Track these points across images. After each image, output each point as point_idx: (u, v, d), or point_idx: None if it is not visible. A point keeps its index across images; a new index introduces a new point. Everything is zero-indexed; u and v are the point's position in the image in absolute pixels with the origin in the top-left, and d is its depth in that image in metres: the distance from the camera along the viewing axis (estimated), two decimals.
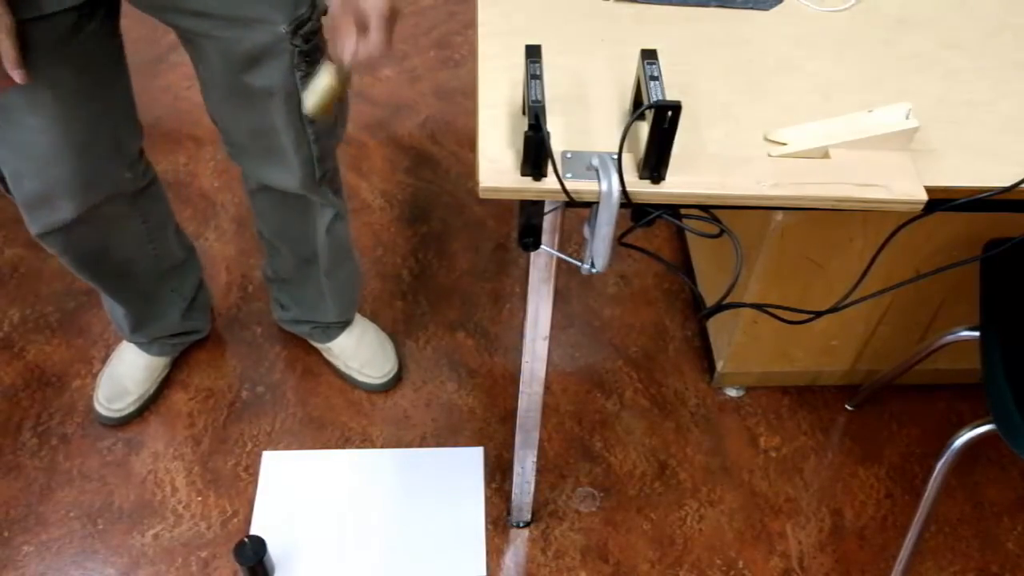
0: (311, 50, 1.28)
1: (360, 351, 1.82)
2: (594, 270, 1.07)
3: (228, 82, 1.30)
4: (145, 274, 1.62)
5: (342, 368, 1.83)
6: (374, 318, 1.90)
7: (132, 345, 1.77)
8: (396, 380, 1.84)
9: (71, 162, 1.31)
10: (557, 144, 1.00)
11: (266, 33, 1.23)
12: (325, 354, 1.86)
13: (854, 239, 1.55)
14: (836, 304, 1.15)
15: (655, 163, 0.97)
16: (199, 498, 1.67)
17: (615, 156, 0.97)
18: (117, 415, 1.74)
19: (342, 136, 1.46)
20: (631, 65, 1.10)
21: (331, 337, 1.82)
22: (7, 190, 1.36)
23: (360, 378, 1.82)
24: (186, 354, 1.85)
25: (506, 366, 1.88)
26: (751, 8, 1.22)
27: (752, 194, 0.99)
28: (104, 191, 1.39)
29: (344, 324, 1.82)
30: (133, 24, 2.25)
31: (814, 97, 1.11)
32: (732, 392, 1.87)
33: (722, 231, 1.04)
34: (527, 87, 0.97)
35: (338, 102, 1.16)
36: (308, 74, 1.27)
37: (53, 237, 1.42)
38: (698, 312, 1.99)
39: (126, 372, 1.76)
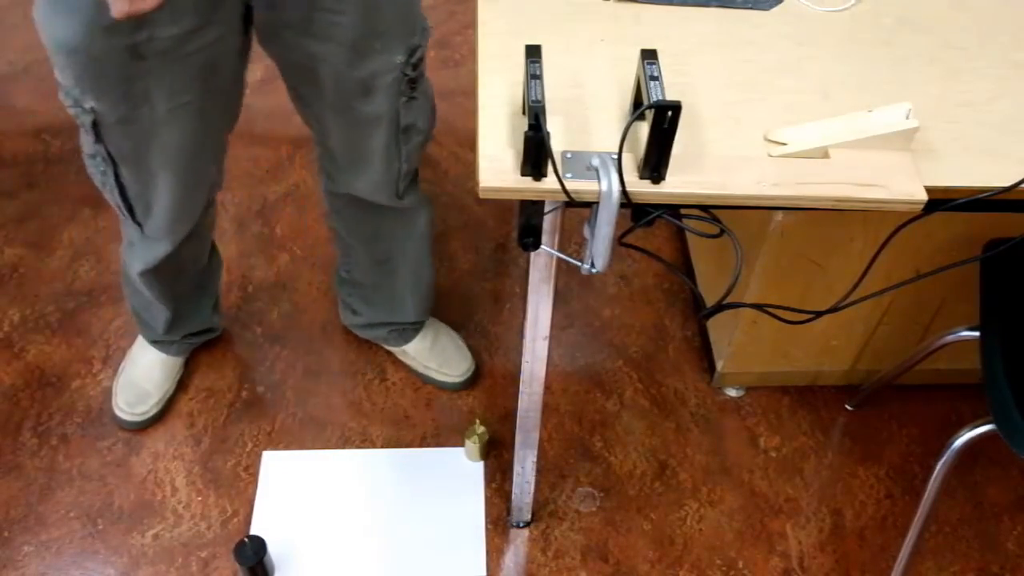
0: (417, 76, 1.33)
1: (436, 351, 1.83)
2: (594, 270, 1.07)
3: (335, 104, 1.33)
4: (191, 273, 1.64)
5: (420, 369, 1.84)
6: None
7: (149, 348, 1.76)
8: (475, 378, 1.84)
9: (205, 176, 1.38)
10: (557, 144, 1.00)
11: (383, 62, 1.27)
12: (400, 356, 1.86)
13: (854, 239, 1.55)
14: (836, 304, 1.15)
15: (655, 163, 0.97)
16: (199, 498, 1.67)
17: (615, 156, 0.96)
18: (141, 419, 1.74)
19: (426, 147, 1.48)
20: (631, 65, 1.10)
21: (407, 339, 1.82)
22: (135, 222, 1.40)
23: (440, 378, 1.83)
24: None
25: (506, 366, 1.88)
26: (751, 8, 1.22)
27: (752, 194, 0.99)
28: (208, 197, 1.45)
29: (419, 325, 1.82)
30: None
31: (814, 97, 1.11)
32: (732, 392, 1.87)
33: (722, 231, 1.04)
34: (527, 87, 0.97)
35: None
36: (411, 98, 1.33)
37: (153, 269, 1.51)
38: (698, 312, 1.99)
39: (144, 375, 1.76)
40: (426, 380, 1.84)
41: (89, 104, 1.20)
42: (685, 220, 1.04)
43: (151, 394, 1.75)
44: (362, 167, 1.43)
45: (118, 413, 1.74)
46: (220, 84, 1.27)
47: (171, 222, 1.42)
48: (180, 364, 1.80)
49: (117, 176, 1.32)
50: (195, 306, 1.74)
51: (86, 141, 1.29)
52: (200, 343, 1.83)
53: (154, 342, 1.76)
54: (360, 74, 1.27)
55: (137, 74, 1.17)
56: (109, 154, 1.28)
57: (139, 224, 1.41)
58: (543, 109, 0.93)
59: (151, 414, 1.75)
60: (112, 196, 1.36)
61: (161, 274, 1.56)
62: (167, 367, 1.78)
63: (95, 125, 1.23)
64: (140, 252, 1.51)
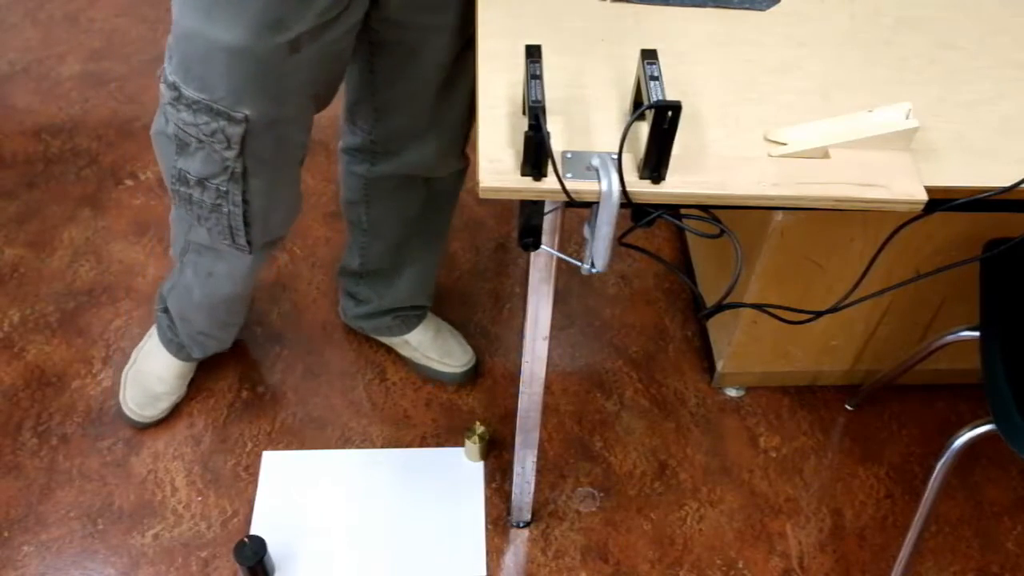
0: None
1: (438, 342, 1.83)
2: (594, 270, 1.07)
3: (434, 72, 1.33)
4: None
5: (421, 360, 1.83)
6: None
7: (165, 351, 1.73)
8: (475, 371, 1.84)
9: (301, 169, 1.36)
10: (557, 144, 1.00)
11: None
12: (400, 349, 1.85)
13: (854, 239, 1.55)
14: (836, 304, 1.15)
15: (655, 163, 0.97)
16: (199, 498, 1.67)
17: (615, 156, 0.97)
18: (149, 421, 1.74)
19: None
20: (631, 65, 1.10)
21: (410, 327, 1.82)
22: (246, 241, 1.34)
23: (442, 368, 1.82)
24: None
25: (506, 366, 1.88)
26: (748, 8, 1.22)
27: (752, 194, 0.99)
28: None
29: (423, 312, 1.82)
30: (133, 23, 2.25)
31: (814, 97, 1.11)
32: (732, 392, 1.87)
33: (722, 231, 1.04)
34: (527, 87, 0.97)
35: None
36: None
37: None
38: (698, 312, 1.99)
39: (157, 378, 1.74)
40: (427, 373, 1.84)
41: (243, 112, 1.15)
42: (685, 220, 1.04)
43: (162, 397, 1.74)
44: (434, 136, 1.42)
45: (126, 410, 1.73)
46: (336, 74, 1.26)
47: (284, 224, 1.39)
48: (193, 367, 1.79)
49: (244, 193, 1.26)
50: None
51: (207, 161, 1.22)
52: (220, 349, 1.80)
53: (194, 359, 1.75)
54: (468, 33, 1.28)
55: (290, 70, 1.15)
56: (244, 168, 1.22)
57: (250, 243, 1.34)
58: (543, 109, 0.93)
59: (159, 417, 1.74)
60: (228, 218, 1.29)
61: (248, 290, 1.56)
62: (182, 373, 1.76)
63: (244, 136, 1.18)
64: (244, 273, 1.46)
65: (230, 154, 1.21)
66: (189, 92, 1.17)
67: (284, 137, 1.24)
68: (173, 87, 1.19)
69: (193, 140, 1.21)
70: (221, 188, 1.26)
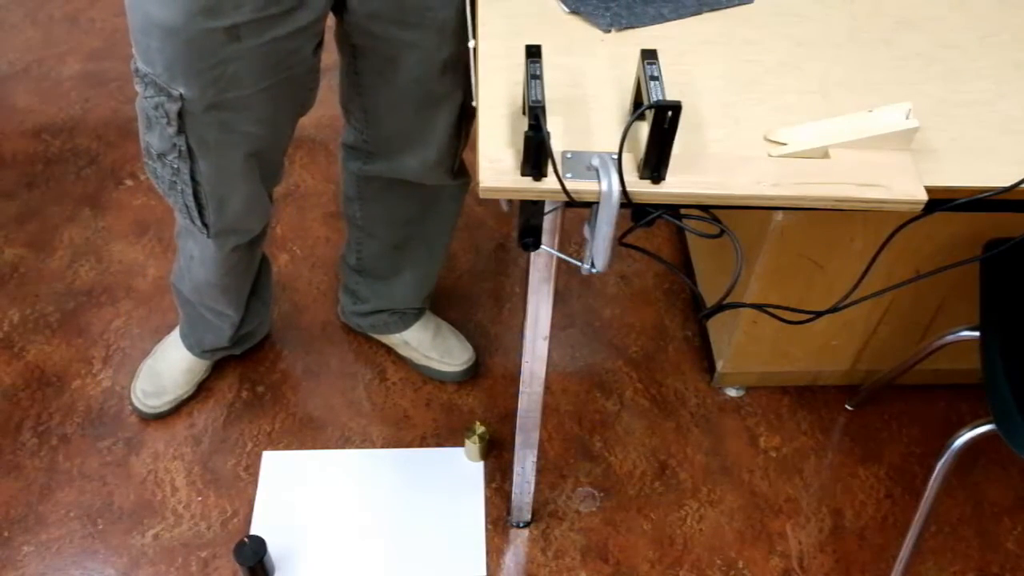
0: None
1: (438, 341, 1.83)
2: (594, 270, 1.07)
3: (410, 88, 1.34)
4: (254, 272, 1.65)
5: (420, 360, 1.83)
6: None
7: (181, 344, 1.76)
8: (475, 368, 1.84)
9: (275, 166, 1.38)
10: (557, 144, 1.00)
11: (462, 42, 1.27)
12: (400, 349, 1.85)
13: (854, 239, 1.55)
14: (836, 304, 1.15)
15: (655, 163, 0.97)
16: (199, 498, 1.67)
17: (615, 156, 0.97)
18: (151, 411, 1.75)
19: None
20: (631, 65, 1.10)
21: (407, 324, 1.81)
22: (203, 223, 1.38)
23: (441, 367, 1.82)
24: None
25: (506, 366, 1.88)
26: (737, 5, 1.22)
27: (752, 194, 0.99)
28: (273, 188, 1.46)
29: (419, 310, 1.82)
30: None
31: (814, 97, 1.11)
32: (732, 392, 1.87)
33: (722, 231, 1.04)
34: (527, 87, 0.97)
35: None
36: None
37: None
38: (698, 312, 1.99)
39: (167, 370, 1.76)
40: (427, 372, 1.84)
41: (178, 90, 1.19)
42: (685, 220, 1.04)
43: (167, 391, 1.75)
44: (421, 147, 1.43)
45: (132, 398, 1.75)
46: (296, 71, 1.26)
47: (245, 215, 1.41)
48: (206, 367, 1.80)
49: (192, 173, 1.30)
50: (253, 314, 1.74)
51: (161, 136, 1.27)
52: (239, 351, 1.81)
53: (208, 357, 1.77)
54: (443, 55, 1.29)
55: (231, 57, 1.16)
56: (189, 148, 1.26)
57: (206, 225, 1.38)
58: (543, 109, 0.93)
59: (162, 410, 1.75)
60: (183, 196, 1.34)
61: (236, 276, 1.57)
62: (192, 370, 1.77)
63: (180, 114, 1.21)
64: (211, 258, 1.50)
65: (171, 130, 1.24)
66: (140, 64, 1.21)
67: (228, 124, 1.25)
68: (133, 58, 1.23)
69: (151, 114, 1.25)
70: (173, 165, 1.30)
